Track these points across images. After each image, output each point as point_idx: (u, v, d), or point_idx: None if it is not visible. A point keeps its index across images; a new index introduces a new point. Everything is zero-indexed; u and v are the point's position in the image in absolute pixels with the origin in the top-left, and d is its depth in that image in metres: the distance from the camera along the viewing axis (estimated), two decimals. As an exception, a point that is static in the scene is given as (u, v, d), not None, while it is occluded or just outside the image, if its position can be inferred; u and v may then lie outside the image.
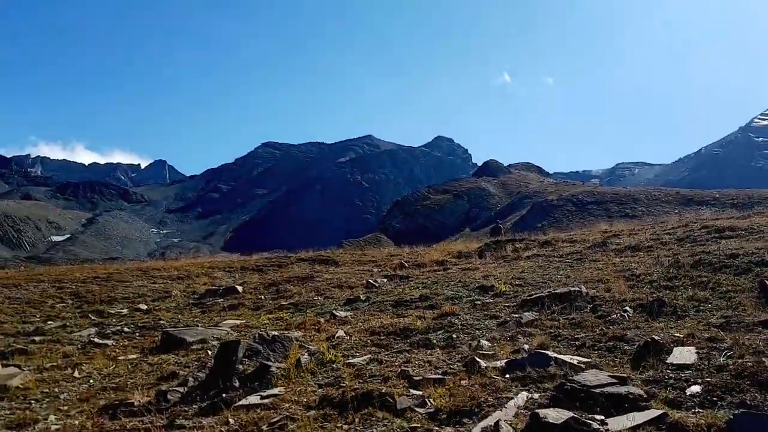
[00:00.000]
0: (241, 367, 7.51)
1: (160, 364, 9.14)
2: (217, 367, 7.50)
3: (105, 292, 18.11)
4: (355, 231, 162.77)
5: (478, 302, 10.56)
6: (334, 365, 7.52)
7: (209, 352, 10.20)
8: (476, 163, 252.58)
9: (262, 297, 15.79)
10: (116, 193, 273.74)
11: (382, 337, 8.79)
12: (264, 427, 5.55)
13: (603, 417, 4.99)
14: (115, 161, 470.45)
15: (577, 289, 9.54)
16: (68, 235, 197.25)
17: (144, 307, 15.63)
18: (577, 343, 7.43)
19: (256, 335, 8.00)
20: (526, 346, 7.30)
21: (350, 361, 7.59)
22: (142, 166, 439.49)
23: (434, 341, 8.31)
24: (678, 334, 7.41)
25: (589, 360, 6.58)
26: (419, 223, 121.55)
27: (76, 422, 6.38)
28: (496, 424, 5.03)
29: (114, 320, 14.13)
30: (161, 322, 13.73)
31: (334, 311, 11.59)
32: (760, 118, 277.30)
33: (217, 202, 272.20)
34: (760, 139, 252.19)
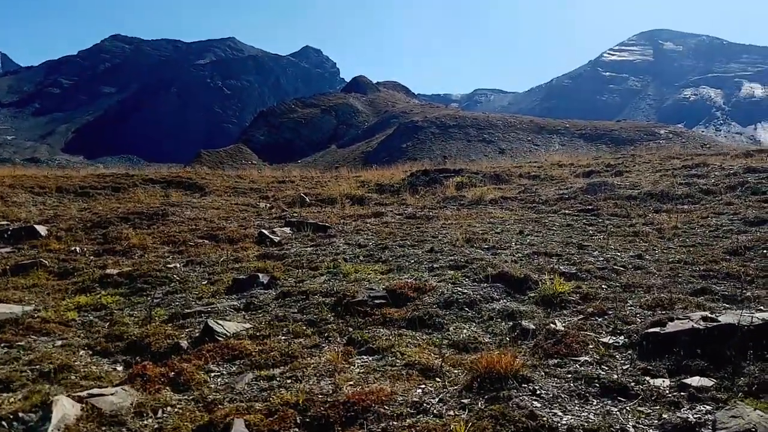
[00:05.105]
0: None
1: None
2: None
3: None
4: (215, 140, 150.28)
5: (530, 325, 5.04)
6: None
7: None
8: (344, 79, 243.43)
9: (78, 249, 9.47)
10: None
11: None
12: None
13: None
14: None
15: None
16: None
17: None
18: None
19: None
20: None
21: None
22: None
23: None
24: None
25: None
26: (285, 137, 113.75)
27: None
28: None
29: None
30: None
31: (209, 316, 5.70)
32: (609, 54, 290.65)
33: (58, 98, 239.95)
34: (608, 73, 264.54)
